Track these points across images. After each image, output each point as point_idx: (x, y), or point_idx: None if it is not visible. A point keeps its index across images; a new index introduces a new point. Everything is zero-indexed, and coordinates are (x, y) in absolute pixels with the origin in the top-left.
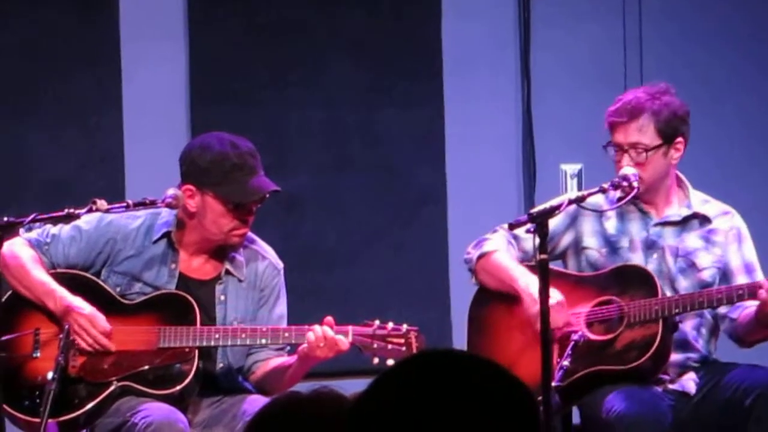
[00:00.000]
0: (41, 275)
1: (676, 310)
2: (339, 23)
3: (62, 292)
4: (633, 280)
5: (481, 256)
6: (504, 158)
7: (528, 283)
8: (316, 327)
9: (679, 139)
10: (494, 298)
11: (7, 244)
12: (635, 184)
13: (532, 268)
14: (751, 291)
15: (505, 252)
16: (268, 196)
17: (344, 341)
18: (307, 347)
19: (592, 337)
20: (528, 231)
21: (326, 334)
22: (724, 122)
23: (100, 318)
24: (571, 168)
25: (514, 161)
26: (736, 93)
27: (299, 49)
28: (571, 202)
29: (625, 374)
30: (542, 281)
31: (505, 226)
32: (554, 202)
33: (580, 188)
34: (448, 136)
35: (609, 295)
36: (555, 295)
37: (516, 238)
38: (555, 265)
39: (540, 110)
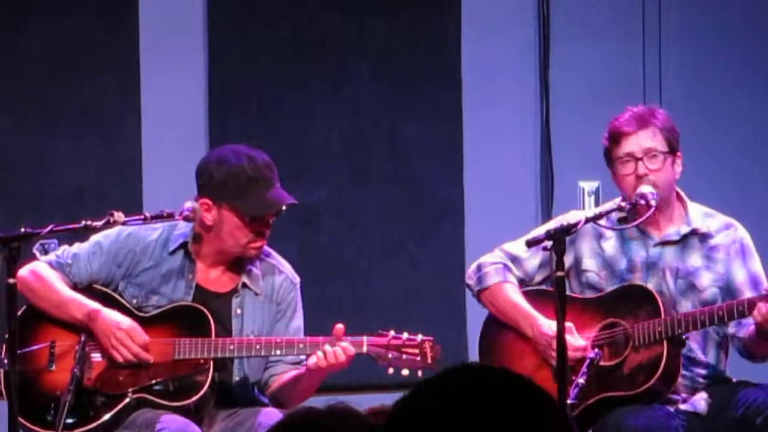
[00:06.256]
0: (71, 293)
1: (679, 330)
2: (359, 36)
3: (97, 306)
4: (636, 301)
5: (483, 290)
6: (522, 174)
7: (533, 326)
8: (327, 348)
9: (679, 153)
10: (502, 326)
11: (28, 268)
12: (653, 202)
13: (532, 295)
14: (750, 307)
15: (506, 284)
16: (284, 208)
17: (351, 352)
18: (315, 363)
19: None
20: (545, 248)
21: (337, 357)
22: (742, 139)
23: (139, 331)
24: (588, 185)
25: (532, 177)
26: (754, 110)
27: (319, 60)
28: (588, 220)
29: (636, 397)
30: (559, 298)
31: (503, 247)
32: (571, 219)
33: (597, 206)
34: (466, 151)
35: (613, 317)
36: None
37: (515, 259)
38: None
39: (558, 126)
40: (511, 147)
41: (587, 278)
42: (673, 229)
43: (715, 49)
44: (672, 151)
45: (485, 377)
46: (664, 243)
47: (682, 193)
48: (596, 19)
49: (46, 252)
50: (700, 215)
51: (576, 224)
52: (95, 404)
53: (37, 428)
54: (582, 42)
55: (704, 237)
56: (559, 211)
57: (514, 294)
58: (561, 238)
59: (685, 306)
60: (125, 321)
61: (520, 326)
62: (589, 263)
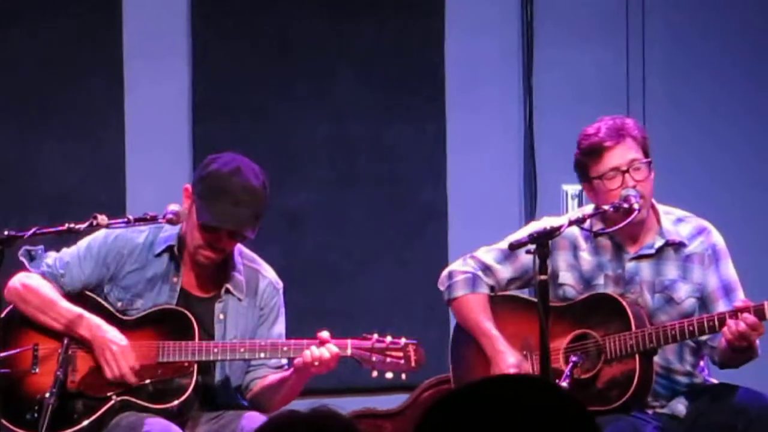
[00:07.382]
0: (68, 305)
1: (651, 345)
2: (344, 39)
3: (96, 320)
4: (607, 312)
5: (451, 299)
6: (506, 177)
7: (494, 350)
8: (313, 348)
9: (650, 159)
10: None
11: (21, 279)
12: (636, 205)
13: (502, 301)
14: (720, 323)
15: (473, 296)
16: (237, 234)
17: (334, 351)
18: (302, 361)
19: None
20: (528, 252)
21: (323, 357)
22: (726, 141)
23: (131, 353)
24: (572, 189)
25: (515, 180)
26: (737, 112)
27: (304, 65)
28: (571, 223)
29: (611, 410)
30: (542, 303)
31: (475, 255)
32: (555, 222)
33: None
34: (450, 154)
35: (584, 327)
36: (510, 360)
37: (488, 269)
38: (532, 295)
39: (542, 129)
40: (494, 150)
41: (564, 291)
42: (648, 242)
43: (699, 51)
44: (647, 158)
45: (514, 385)
46: (640, 257)
47: (653, 201)
48: (580, 22)
49: (32, 258)
50: (671, 222)
51: (559, 227)
52: (78, 407)
53: (20, 430)
54: (566, 45)
55: (678, 246)
56: (542, 214)
57: (478, 309)
58: (544, 241)
59: (664, 320)
60: (122, 340)
61: (481, 344)
62: (566, 276)
